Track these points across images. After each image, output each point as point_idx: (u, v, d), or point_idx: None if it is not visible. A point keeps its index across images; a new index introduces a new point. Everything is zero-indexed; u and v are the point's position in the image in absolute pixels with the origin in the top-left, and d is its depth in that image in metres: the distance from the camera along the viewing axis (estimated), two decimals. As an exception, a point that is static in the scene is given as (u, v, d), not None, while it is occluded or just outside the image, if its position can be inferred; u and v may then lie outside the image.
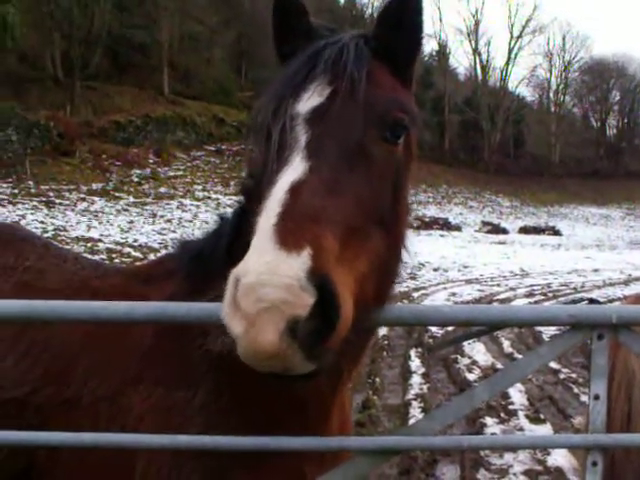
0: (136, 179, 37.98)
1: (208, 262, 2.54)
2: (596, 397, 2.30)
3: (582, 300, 2.42)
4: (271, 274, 1.53)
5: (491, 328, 2.61)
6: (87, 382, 2.67)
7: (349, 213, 1.75)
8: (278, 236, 1.61)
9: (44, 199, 30.79)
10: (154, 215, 28.99)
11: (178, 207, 31.79)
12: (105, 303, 2.13)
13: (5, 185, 32.64)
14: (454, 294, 19.58)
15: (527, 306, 2.23)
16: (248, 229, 2.40)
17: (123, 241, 21.75)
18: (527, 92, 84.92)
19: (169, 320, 2.13)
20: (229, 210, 2.68)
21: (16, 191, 31.72)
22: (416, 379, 10.05)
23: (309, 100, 1.96)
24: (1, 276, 3.11)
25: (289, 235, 1.60)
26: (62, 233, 24.53)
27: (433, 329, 13.20)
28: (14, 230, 3.56)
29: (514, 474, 6.66)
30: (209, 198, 34.94)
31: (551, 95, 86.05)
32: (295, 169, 1.80)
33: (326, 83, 1.98)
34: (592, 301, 2.37)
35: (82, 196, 32.59)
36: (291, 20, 2.18)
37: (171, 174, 40.27)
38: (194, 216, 29.21)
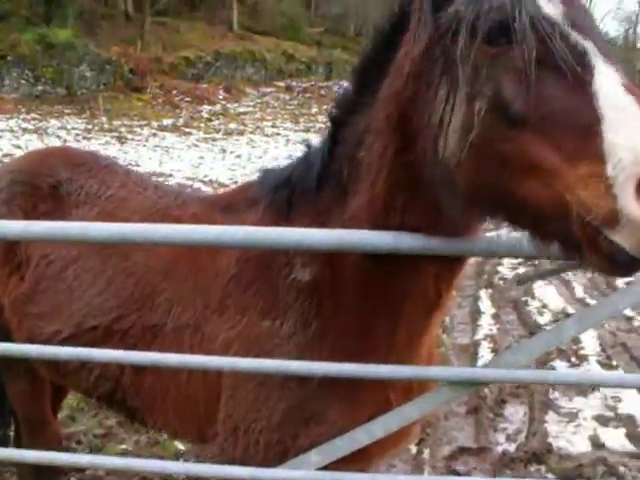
0: (206, 115, 38.19)
1: (295, 190, 2.51)
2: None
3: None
4: None
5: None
6: (171, 309, 2.72)
7: None
8: None
9: (116, 134, 31.33)
10: (224, 151, 29.14)
11: (248, 143, 31.85)
12: (194, 227, 2.14)
13: (80, 121, 33.30)
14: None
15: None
16: (338, 158, 2.38)
17: (194, 176, 21.98)
18: (612, 26, 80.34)
19: (256, 245, 2.12)
20: (299, 147, 2.65)
21: (90, 126, 32.35)
22: (485, 319, 9.96)
23: (549, 3, 1.76)
24: (86, 204, 3.17)
25: None
26: (135, 168, 24.91)
27: (503, 270, 13.01)
28: (97, 158, 3.61)
29: (584, 418, 6.57)
30: (278, 134, 34.83)
31: (638, 30, 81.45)
32: (607, 66, 1.67)
33: None
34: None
35: (153, 132, 33.00)
36: None
37: (241, 110, 40.25)
38: (264, 152, 29.18)
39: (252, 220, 2.58)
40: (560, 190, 1.60)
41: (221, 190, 19.94)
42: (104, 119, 34.24)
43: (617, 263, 1.59)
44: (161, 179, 22.79)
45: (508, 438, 6.16)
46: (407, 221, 2.12)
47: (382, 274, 2.28)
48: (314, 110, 42.00)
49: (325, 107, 41.26)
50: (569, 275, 12.12)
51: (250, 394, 2.48)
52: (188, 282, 2.72)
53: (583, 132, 1.58)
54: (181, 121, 36.02)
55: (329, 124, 2.49)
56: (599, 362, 8.23)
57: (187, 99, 40.13)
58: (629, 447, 6.03)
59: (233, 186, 3.27)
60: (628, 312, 10.53)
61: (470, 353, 8.38)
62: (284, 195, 2.55)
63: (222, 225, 2.20)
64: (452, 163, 1.82)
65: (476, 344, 8.73)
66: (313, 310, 2.42)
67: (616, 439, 6.16)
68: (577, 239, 1.62)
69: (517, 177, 1.70)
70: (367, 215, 2.23)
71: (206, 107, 39.56)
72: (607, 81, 1.63)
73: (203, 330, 2.63)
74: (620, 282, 12.52)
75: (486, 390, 6.95)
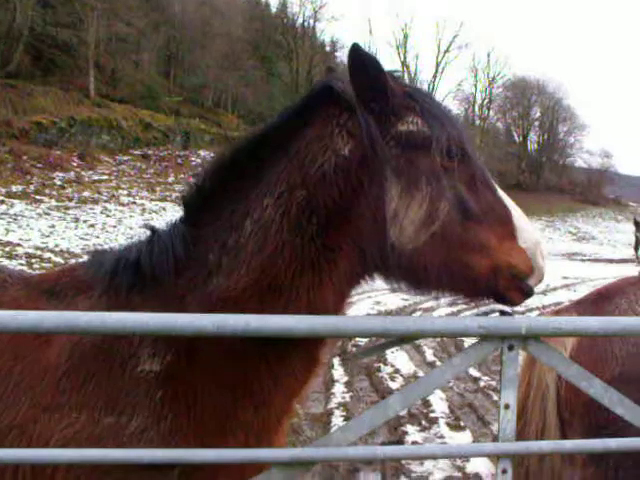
0: (59, 182, 36.87)
1: (145, 275, 2.41)
2: (506, 406, 2.38)
3: (493, 311, 2.50)
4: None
5: (408, 338, 2.64)
6: None
7: None
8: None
9: (-41, 201, 29.57)
10: (77, 220, 28.20)
11: (102, 212, 31.03)
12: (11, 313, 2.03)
13: None
14: (378, 302, 19.75)
15: (440, 318, 2.30)
16: (203, 242, 2.39)
17: (43, 246, 21.04)
18: (454, 105, 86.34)
19: (96, 332, 2.04)
20: (155, 216, 2.62)
21: None
22: (339, 388, 10.09)
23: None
24: None
25: None
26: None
27: (356, 338, 13.28)
28: None
29: (434, 481, 6.76)
30: (134, 203, 34.25)
31: (476, 109, 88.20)
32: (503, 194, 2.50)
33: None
34: (503, 313, 2.45)
35: (1, 198, 31.44)
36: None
37: (95, 178, 39.24)
38: (118, 221, 28.56)
39: (85, 306, 2.43)
40: (494, 259, 2.37)
41: (72, 261, 19.20)
42: (-55, 185, 32.26)
43: (527, 296, 2.46)
44: (7, 248, 21.65)
45: (361, 507, 6.19)
46: (310, 298, 2.35)
47: (250, 360, 2.32)
48: (171, 179, 41.75)
49: (182, 176, 41.20)
50: (420, 340, 12.57)
51: None
52: (11, 377, 2.42)
53: (503, 221, 2.41)
54: (32, 188, 34.55)
55: (183, 208, 2.51)
56: (448, 424, 8.55)
57: (39, 165, 38.61)
58: (477, 507, 6.26)
59: (57, 268, 3.06)
60: (474, 373, 11.06)
61: (323, 422, 8.43)
62: (127, 280, 2.44)
63: (45, 311, 2.09)
64: (408, 248, 2.31)
65: (329, 413, 8.80)
66: (167, 403, 2.29)
67: (464, 499, 6.39)
68: (502, 289, 2.41)
69: (469, 253, 2.35)
70: (252, 294, 2.31)
71: (59, 174, 38.25)
72: (499, 188, 2.47)
73: (31, 432, 2.33)
74: (468, 344, 13.15)
75: (339, 459, 6.97)
